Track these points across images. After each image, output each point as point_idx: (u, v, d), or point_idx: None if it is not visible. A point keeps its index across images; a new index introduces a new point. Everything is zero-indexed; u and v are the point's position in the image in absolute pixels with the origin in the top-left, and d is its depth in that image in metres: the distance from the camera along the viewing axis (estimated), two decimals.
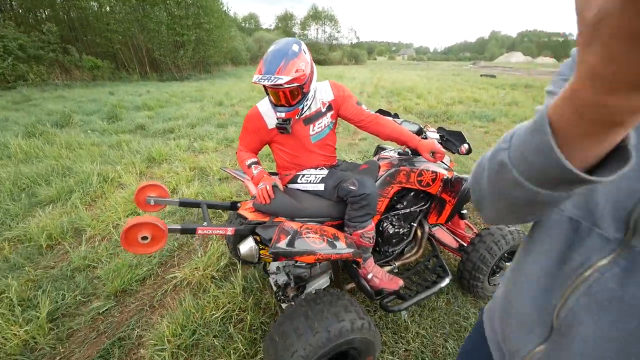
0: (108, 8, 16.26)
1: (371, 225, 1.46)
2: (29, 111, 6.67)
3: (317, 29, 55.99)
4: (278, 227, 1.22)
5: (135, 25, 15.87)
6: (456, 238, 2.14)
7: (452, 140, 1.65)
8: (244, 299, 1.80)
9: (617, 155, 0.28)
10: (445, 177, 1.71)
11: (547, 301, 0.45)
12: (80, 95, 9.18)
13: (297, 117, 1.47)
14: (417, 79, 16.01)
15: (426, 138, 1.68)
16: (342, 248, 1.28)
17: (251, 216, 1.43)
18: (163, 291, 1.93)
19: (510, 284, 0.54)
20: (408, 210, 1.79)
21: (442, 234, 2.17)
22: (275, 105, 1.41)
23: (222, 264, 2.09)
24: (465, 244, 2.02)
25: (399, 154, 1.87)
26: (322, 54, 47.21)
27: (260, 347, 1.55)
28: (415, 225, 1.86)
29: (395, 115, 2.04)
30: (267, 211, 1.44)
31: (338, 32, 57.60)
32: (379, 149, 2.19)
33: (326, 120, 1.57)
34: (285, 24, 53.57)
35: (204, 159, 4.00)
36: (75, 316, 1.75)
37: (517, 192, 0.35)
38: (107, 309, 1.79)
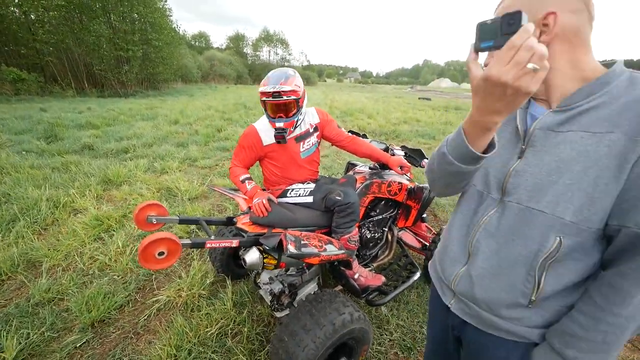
0: (33, 16, 14.54)
1: (356, 230, 1.69)
2: None
3: (269, 51, 57.19)
4: (284, 236, 1.37)
5: (71, 37, 14.49)
6: (419, 239, 2.48)
7: (413, 156, 1.99)
8: (237, 313, 1.85)
9: (491, 145, 0.61)
10: (409, 187, 2.03)
11: (466, 239, 0.77)
12: (1, 111, 8.00)
13: (292, 129, 1.68)
14: (366, 101, 17.34)
15: (394, 154, 2.00)
16: (338, 250, 1.47)
17: (250, 229, 1.55)
18: (146, 316, 1.87)
19: (446, 237, 0.87)
20: (381, 217, 2.06)
21: (407, 237, 2.49)
22: (274, 118, 1.62)
23: (207, 282, 2.09)
24: (427, 244, 2.36)
25: (370, 168, 2.16)
26: None
27: (259, 356, 1.61)
28: (386, 229, 2.14)
29: (364, 136, 2.36)
30: (265, 223, 1.57)
31: (289, 54, 59.64)
32: (351, 165, 2.48)
33: (313, 139, 1.80)
34: (237, 44, 53.60)
35: (169, 179, 3.87)
36: (47, 354, 1.60)
37: (451, 168, 0.66)
38: (85, 342, 1.67)
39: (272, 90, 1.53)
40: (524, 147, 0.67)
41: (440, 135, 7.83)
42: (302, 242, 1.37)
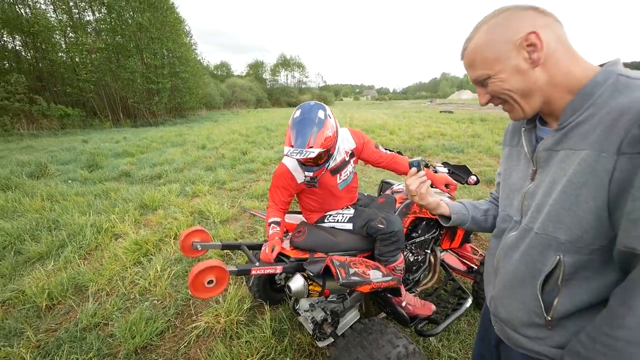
0: (77, 59, 16.17)
1: (401, 258, 1.58)
2: None
3: (287, 75, 59.70)
4: (330, 262, 1.31)
5: (109, 75, 15.97)
6: (463, 261, 2.31)
7: (458, 173, 1.90)
8: (277, 342, 1.78)
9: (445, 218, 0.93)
10: None
11: (493, 261, 0.80)
12: (49, 144, 8.78)
13: (323, 173, 1.57)
14: (385, 117, 17.33)
15: (436, 172, 1.91)
16: (387, 277, 1.39)
17: (292, 254, 1.51)
18: (186, 343, 1.85)
19: (486, 259, 0.89)
20: (423, 238, 1.95)
21: (451, 259, 2.34)
22: (303, 164, 1.50)
23: (245, 307, 2.05)
24: (474, 266, 2.20)
25: None
26: (293, 97, 50.37)
27: None
28: (428, 252, 2.02)
29: (399, 153, 2.30)
30: (306, 247, 1.53)
31: (306, 77, 61.97)
32: (385, 184, 2.39)
33: (350, 167, 1.68)
34: (256, 70, 56.52)
35: (200, 202, 3.97)
36: None
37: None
38: None
39: (298, 157, 1.30)
40: (534, 169, 0.68)
41: (469, 148, 7.52)
42: (350, 268, 1.30)
